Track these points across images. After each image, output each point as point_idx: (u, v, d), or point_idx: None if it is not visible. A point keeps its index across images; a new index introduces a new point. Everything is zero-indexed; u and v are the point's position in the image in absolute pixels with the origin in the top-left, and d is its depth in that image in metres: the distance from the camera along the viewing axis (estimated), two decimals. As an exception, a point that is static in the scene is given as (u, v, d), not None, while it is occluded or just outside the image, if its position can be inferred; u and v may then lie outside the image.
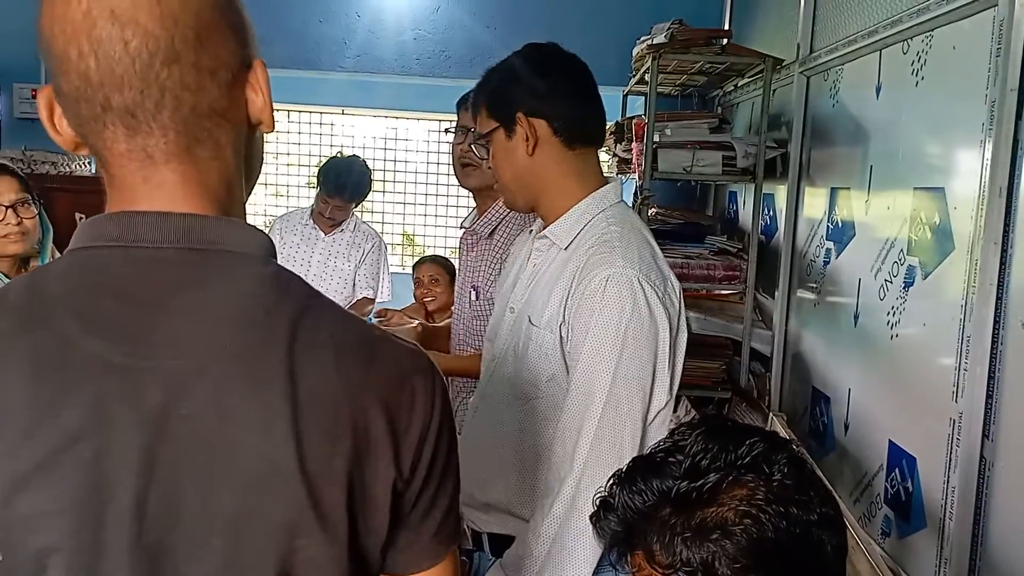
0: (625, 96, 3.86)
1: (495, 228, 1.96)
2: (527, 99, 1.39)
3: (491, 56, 1.53)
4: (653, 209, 3.23)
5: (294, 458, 0.63)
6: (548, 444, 1.36)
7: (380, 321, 2.24)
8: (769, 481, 0.81)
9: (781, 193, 3.02)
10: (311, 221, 3.35)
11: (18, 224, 1.89)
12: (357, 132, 6.70)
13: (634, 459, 0.91)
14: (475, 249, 2.00)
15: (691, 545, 0.80)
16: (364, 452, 0.66)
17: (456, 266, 2.33)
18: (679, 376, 1.42)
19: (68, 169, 3.94)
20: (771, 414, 2.39)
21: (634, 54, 3.28)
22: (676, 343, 1.38)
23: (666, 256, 2.98)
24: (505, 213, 1.95)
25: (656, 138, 2.94)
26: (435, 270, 3.10)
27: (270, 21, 4.10)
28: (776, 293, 2.98)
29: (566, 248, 1.40)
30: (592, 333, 1.30)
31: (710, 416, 0.90)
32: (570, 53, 1.47)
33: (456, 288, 2.23)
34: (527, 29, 3.92)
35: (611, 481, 0.90)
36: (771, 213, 3.18)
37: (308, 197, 6.72)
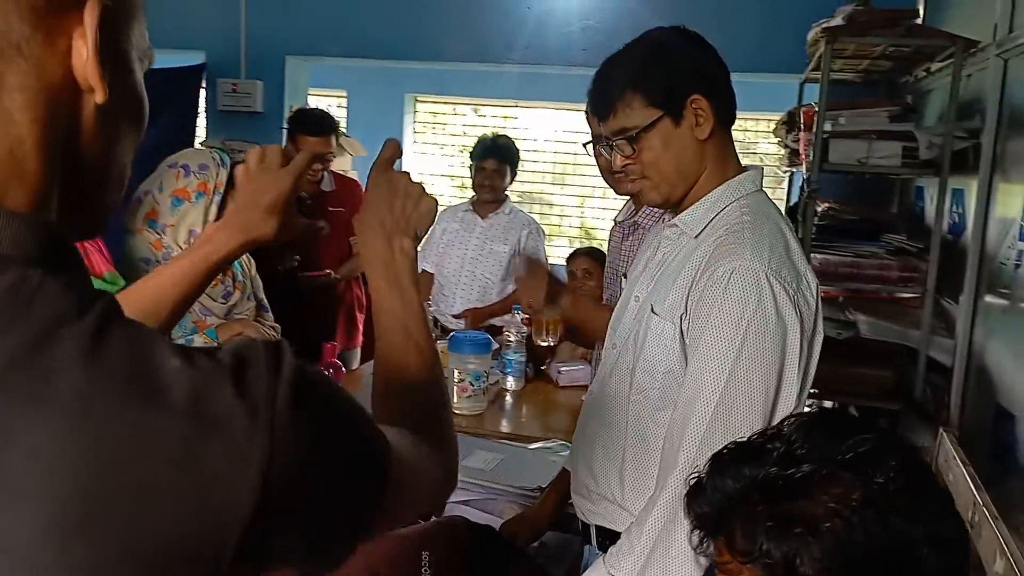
0: (802, 84, 3.66)
1: (660, 218, 1.91)
2: (698, 80, 1.31)
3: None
4: (825, 204, 3.04)
5: None
6: (659, 438, 1.31)
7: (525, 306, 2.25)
8: (869, 483, 0.74)
9: (973, 188, 2.73)
10: (471, 208, 3.53)
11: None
12: (536, 125, 6.79)
13: (732, 443, 0.86)
14: (630, 239, 1.97)
15: (773, 536, 0.74)
16: (124, 558, 0.47)
17: (607, 257, 2.32)
18: (812, 377, 1.33)
19: (260, 158, 4.27)
20: (940, 429, 2.17)
21: (808, 39, 3.08)
22: (811, 344, 1.28)
23: (835, 254, 2.83)
24: None
25: (828, 127, 2.75)
26: (588, 263, 3.08)
27: (445, 16, 4.24)
28: (961, 298, 2.71)
29: (696, 237, 1.34)
30: (710, 328, 1.23)
31: (828, 409, 0.83)
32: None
33: (606, 278, 2.20)
34: (699, 16, 3.79)
35: (708, 463, 0.86)
36: (960, 210, 2.89)
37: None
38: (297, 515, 0.54)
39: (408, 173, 0.98)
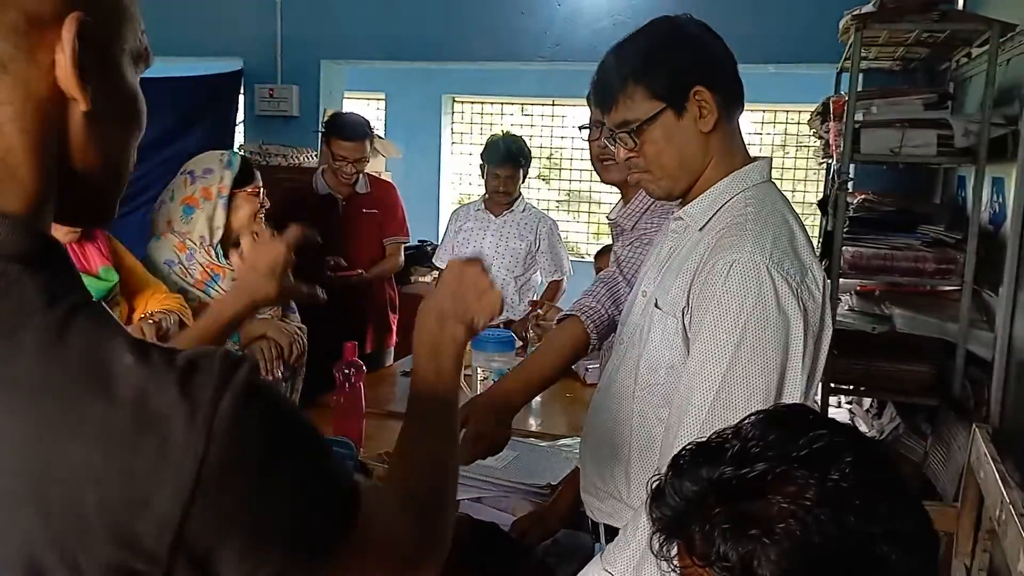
0: (839, 74, 3.58)
1: (638, 220, 1.87)
2: (702, 71, 1.27)
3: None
4: (862, 195, 2.96)
5: None
6: (659, 436, 1.29)
7: (534, 313, 2.28)
8: (823, 480, 0.72)
9: (1013, 176, 2.64)
10: (483, 207, 3.57)
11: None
12: (581, 122, 6.74)
13: (691, 443, 0.84)
14: (619, 240, 1.94)
15: (729, 538, 0.72)
16: (62, 536, 0.51)
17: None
18: (819, 376, 1.29)
19: (297, 161, 4.34)
20: (974, 425, 2.10)
21: (840, 26, 3.01)
22: (819, 340, 1.25)
23: (867, 247, 2.75)
24: (649, 203, 1.85)
25: (859, 117, 2.69)
26: (616, 259, 3.07)
27: (475, 15, 4.25)
28: (1001, 290, 2.61)
29: (700, 229, 1.31)
30: (708, 322, 1.20)
31: (788, 405, 0.81)
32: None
33: None
34: (731, 6, 3.74)
35: (668, 465, 0.84)
36: (1000, 199, 2.79)
37: (539, 188, 6.96)
38: (234, 523, 0.56)
39: (480, 265, 1.01)
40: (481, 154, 3.50)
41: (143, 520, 0.52)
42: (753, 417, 0.79)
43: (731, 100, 1.32)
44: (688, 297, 1.26)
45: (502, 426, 1.57)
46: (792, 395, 1.20)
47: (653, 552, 0.82)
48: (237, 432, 0.54)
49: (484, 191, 3.57)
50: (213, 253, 2.16)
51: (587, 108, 1.81)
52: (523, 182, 3.52)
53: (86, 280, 2.04)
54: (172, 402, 0.53)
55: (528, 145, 3.52)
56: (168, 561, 0.53)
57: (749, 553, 0.70)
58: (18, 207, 0.57)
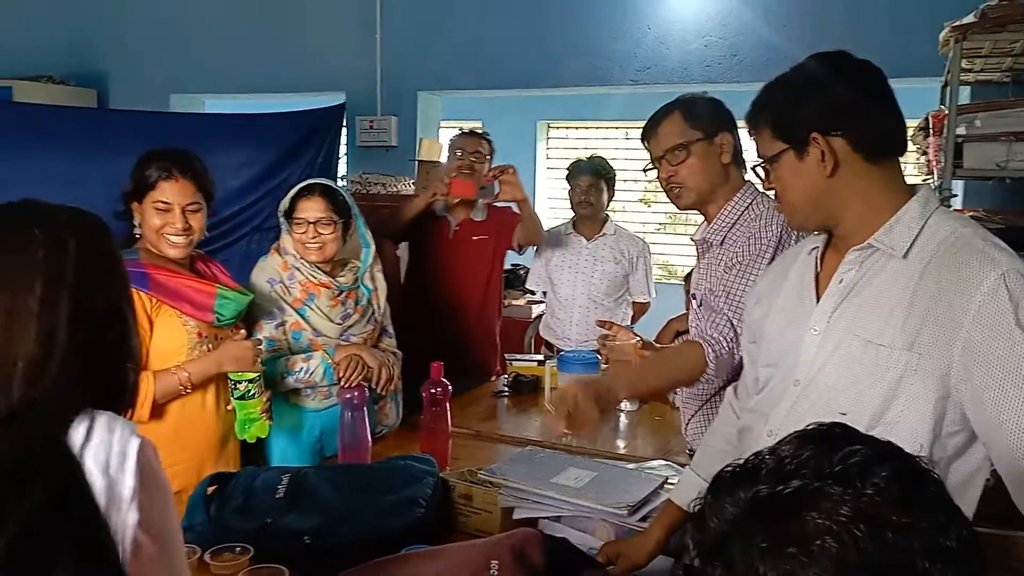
0: (944, 88, 3.43)
1: (726, 235, 1.89)
2: (821, 116, 1.28)
3: (785, 57, 1.42)
4: (969, 213, 2.84)
5: None
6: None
7: (603, 333, 2.32)
8: (858, 496, 0.70)
9: None
10: (573, 230, 3.58)
11: (314, 238, 2.24)
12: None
13: (730, 465, 0.83)
14: (704, 257, 1.94)
15: (767, 558, 0.71)
16: None
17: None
18: None
19: (396, 189, 4.49)
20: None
21: (940, 39, 2.91)
22: None
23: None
24: (735, 218, 1.88)
25: (962, 131, 2.58)
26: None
27: (566, 42, 4.30)
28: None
29: (904, 256, 1.26)
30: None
31: (823, 423, 0.80)
32: (859, 58, 1.33)
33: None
34: (825, 24, 3.66)
35: (708, 487, 0.84)
36: (1122, 214, 2.62)
37: (641, 211, 6.95)
38: None
39: None
40: (566, 177, 3.55)
41: None
42: (791, 435, 0.78)
43: (875, 142, 1.30)
44: (964, 327, 1.19)
45: (592, 406, 1.63)
46: None
47: None
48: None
49: (572, 213, 3.58)
50: (309, 271, 2.28)
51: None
52: (609, 199, 3.53)
53: (232, 294, 2.33)
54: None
55: (611, 166, 3.55)
56: None
57: (787, 573, 0.69)
58: None
